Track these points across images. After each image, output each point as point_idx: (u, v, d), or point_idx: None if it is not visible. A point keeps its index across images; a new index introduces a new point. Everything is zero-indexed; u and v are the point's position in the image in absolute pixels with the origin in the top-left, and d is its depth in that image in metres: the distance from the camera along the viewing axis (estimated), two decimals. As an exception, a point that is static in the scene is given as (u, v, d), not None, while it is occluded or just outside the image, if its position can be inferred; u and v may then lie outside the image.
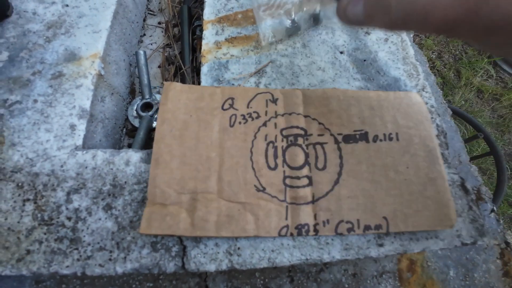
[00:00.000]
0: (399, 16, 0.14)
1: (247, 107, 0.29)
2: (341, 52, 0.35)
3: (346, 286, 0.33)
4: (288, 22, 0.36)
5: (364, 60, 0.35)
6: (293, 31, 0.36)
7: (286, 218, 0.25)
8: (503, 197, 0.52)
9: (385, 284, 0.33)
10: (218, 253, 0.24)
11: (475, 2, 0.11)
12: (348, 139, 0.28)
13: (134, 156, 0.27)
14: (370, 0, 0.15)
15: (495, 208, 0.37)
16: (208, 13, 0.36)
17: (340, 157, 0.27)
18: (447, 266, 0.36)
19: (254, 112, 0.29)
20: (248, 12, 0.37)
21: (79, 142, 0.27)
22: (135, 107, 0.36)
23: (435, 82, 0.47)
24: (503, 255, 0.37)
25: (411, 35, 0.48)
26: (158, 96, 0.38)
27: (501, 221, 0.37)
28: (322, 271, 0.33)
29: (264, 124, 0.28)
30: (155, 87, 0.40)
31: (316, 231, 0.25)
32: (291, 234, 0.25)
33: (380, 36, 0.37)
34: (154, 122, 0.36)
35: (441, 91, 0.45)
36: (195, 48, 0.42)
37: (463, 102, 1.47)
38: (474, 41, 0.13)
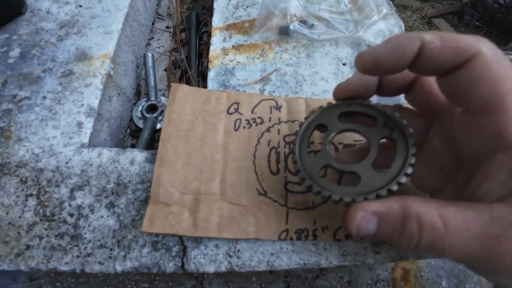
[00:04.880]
0: (414, 246, 0.15)
1: (252, 112, 0.30)
2: (344, 64, 0.36)
3: (342, 293, 0.33)
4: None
5: (366, 73, 0.36)
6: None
7: (287, 223, 0.26)
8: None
9: (380, 293, 0.33)
10: (218, 254, 0.25)
11: (490, 244, 0.13)
12: (348, 148, 0.29)
13: (139, 155, 0.27)
14: (387, 224, 0.16)
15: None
16: (217, 20, 0.37)
17: (340, 165, 0.28)
18: (439, 277, 0.36)
19: (258, 117, 0.30)
20: (255, 21, 0.38)
21: (86, 140, 0.27)
22: (140, 108, 0.37)
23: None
24: (496, 268, 0.37)
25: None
26: (163, 99, 0.38)
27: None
28: (318, 277, 0.34)
29: (268, 130, 0.29)
30: (160, 90, 0.41)
31: (315, 236, 0.26)
32: (291, 238, 0.25)
33: (381, 51, 0.38)
34: (158, 124, 0.37)
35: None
36: (201, 54, 0.43)
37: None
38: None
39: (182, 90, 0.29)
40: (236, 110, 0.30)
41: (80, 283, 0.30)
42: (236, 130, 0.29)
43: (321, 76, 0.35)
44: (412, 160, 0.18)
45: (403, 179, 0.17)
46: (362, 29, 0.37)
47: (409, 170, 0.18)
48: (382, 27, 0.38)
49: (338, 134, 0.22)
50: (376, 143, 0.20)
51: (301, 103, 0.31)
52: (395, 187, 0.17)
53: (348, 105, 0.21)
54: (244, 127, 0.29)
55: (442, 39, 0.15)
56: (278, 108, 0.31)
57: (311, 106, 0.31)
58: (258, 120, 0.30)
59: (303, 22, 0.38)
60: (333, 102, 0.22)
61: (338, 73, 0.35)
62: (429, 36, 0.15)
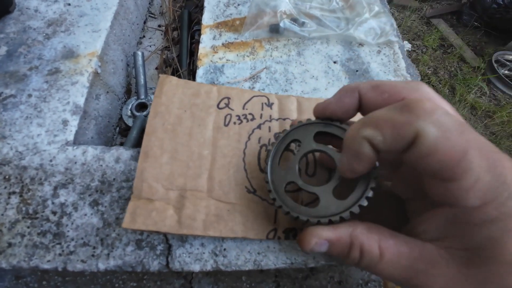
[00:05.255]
0: (355, 265, 0.18)
1: (243, 108, 0.29)
2: (335, 62, 0.36)
3: (332, 293, 0.33)
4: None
5: (357, 71, 0.36)
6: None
7: (275, 222, 0.25)
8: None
9: (371, 293, 0.33)
10: (203, 253, 0.24)
11: (411, 276, 0.16)
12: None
13: (125, 153, 0.27)
14: (336, 248, 0.18)
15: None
16: (207, 18, 0.37)
17: (329, 163, 0.28)
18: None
19: (249, 114, 0.29)
20: (246, 19, 0.38)
21: (71, 137, 0.27)
22: (129, 107, 0.37)
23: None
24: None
25: (404, 49, 0.49)
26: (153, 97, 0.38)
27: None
28: (309, 277, 0.33)
29: (259, 127, 0.29)
30: (151, 88, 0.40)
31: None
32: (279, 238, 0.25)
33: (373, 48, 0.38)
34: (148, 122, 0.36)
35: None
36: (193, 52, 0.43)
37: (457, 117, 1.49)
38: None
39: (170, 82, 0.28)
40: (227, 105, 0.29)
41: (67, 282, 0.30)
42: (226, 125, 0.28)
43: (312, 74, 0.35)
44: (370, 194, 0.19)
45: (356, 210, 0.18)
46: (353, 27, 0.37)
47: (364, 203, 0.18)
48: (374, 25, 0.38)
49: (309, 153, 0.22)
50: None
51: (293, 101, 0.31)
52: (347, 216, 0.19)
53: (325, 126, 0.21)
54: (235, 123, 0.28)
55: (381, 130, 0.15)
56: (270, 105, 0.30)
57: (303, 105, 0.30)
58: (249, 117, 0.29)
59: (294, 20, 0.37)
60: (312, 119, 0.22)
61: (328, 71, 0.35)
62: (370, 132, 0.16)
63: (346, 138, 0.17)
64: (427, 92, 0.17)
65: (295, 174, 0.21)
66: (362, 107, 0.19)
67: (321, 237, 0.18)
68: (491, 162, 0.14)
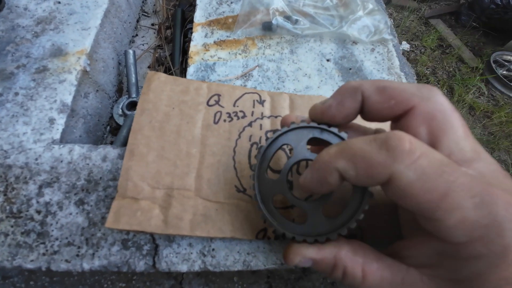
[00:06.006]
0: (339, 282, 0.18)
1: (234, 105, 0.29)
2: (328, 60, 0.36)
3: (325, 295, 0.32)
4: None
5: (350, 69, 0.35)
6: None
7: (265, 221, 0.25)
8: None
9: (365, 294, 0.32)
10: (191, 253, 0.24)
11: None
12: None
13: (112, 152, 0.26)
14: (320, 266, 0.19)
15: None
16: (199, 16, 0.37)
17: (321, 161, 0.27)
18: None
19: (240, 111, 0.29)
20: (238, 16, 0.38)
21: (57, 136, 0.26)
22: (121, 105, 0.36)
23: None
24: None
25: (400, 48, 0.49)
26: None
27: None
28: (301, 278, 0.33)
29: (250, 125, 0.28)
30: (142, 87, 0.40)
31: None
32: (268, 238, 0.24)
33: (366, 46, 0.38)
34: (139, 121, 0.36)
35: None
36: (186, 51, 0.42)
37: (455, 118, 1.49)
38: None
39: (159, 79, 0.28)
40: (217, 102, 0.29)
41: (55, 282, 0.30)
42: (215, 123, 0.27)
43: (304, 72, 0.34)
44: (361, 216, 0.18)
45: (344, 232, 0.18)
46: (347, 25, 0.37)
47: (353, 225, 0.18)
48: (367, 22, 0.38)
49: (300, 162, 0.21)
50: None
51: (285, 98, 0.30)
52: (334, 238, 0.18)
53: (321, 132, 0.20)
54: (225, 121, 0.28)
55: (355, 165, 0.15)
56: (261, 102, 0.30)
57: (295, 102, 0.30)
58: (240, 114, 0.28)
59: (287, 17, 0.37)
60: (306, 120, 0.20)
61: (321, 69, 0.35)
62: (344, 165, 0.15)
63: (318, 161, 0.17)
64: (440, 102, 0.16)
65: (284, 186, 0.20)
66: (364, 111, 0.18)
67: (305, 256, 0.18)
68: (479, 200, 0.13)
